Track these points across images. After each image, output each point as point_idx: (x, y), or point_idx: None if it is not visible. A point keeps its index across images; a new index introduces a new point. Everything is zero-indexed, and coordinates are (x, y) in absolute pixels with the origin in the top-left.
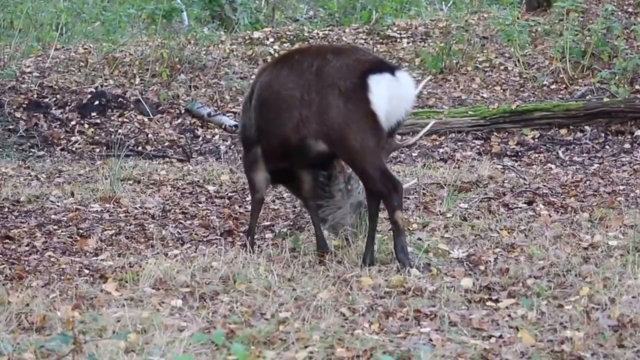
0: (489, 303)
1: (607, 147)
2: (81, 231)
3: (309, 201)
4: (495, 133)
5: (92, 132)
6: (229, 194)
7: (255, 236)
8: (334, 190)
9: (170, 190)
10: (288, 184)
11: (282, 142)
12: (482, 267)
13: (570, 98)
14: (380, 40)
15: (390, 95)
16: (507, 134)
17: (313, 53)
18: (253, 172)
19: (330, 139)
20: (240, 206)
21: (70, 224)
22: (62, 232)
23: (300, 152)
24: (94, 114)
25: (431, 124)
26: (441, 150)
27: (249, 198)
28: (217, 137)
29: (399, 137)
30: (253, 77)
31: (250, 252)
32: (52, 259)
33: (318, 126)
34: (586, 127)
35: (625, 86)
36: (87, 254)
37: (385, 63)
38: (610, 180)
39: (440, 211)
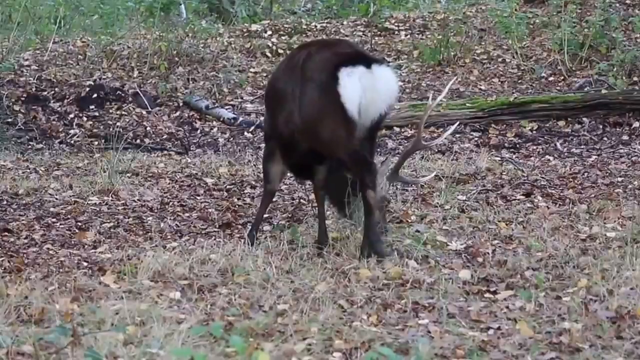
0: (487, 295)
1: (605, 138)
2: (80, 224)
3: (320, 191)
4: (493, 125)
5: (91, 125)
6: (227, 187)
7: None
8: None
9: (169, 183)
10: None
11: (279, 137)
12: (480, 259)
13: (568, 90)
14: (378, 33)
15: (365, 88)
16: (505, 126)
17: (305, 47)
18: (268, 163)
19: (305, 132)
20: (238, 199)
21: (69, 216)
22: (60, 224)
23: (294, 147)
24: (92, 106)
25: (455, 125)
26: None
27: (247, 190)
28: (215, 129)
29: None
30: (251, 69)
31: (249, 243)
32: (50, 252)
33: (299, 119)
34: (584, 119)
35: (623, 78)
36: (86, 246)
37: (362, 56)
38: (609, 172)
39: (438, 203)
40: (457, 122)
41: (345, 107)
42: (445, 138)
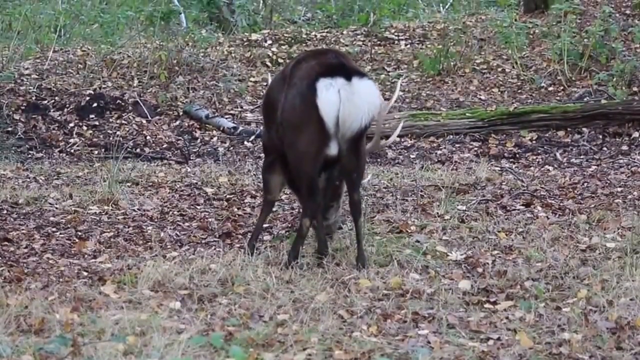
0: (487, 305)
1: (605, 149)
2: (80, 233)
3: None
4: (493, 135)
5: (91, 134)
6: (227, 196)
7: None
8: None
9: (169, 193)
10: None
11: (275, 147)
12: (480, 270)
13: (567, 100)
14: (378, 42)
15: (343, 100)
16: (504, 135)
17: (298, 57)
18: (267, 174)
19: (285, 139)
20: (238, 208)
21: (69, 226)
22: (60, 234)
23: (284, 155)
24: (92, 116)
25: (401, 124)
26: (439, 152)
27: (247, 200)
28: (215, 139)
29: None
30: (251, 79)
31: (249, 253)
32: (50, 261)
33: (281, 126)
34: (584, 129)
35: (623, 88)
36: (86, 256)
37: (343, 68)
38: (608, 182)
39: (438, 213)
40: (403, 122)
41: (322, 118)
42: (445, 148)
